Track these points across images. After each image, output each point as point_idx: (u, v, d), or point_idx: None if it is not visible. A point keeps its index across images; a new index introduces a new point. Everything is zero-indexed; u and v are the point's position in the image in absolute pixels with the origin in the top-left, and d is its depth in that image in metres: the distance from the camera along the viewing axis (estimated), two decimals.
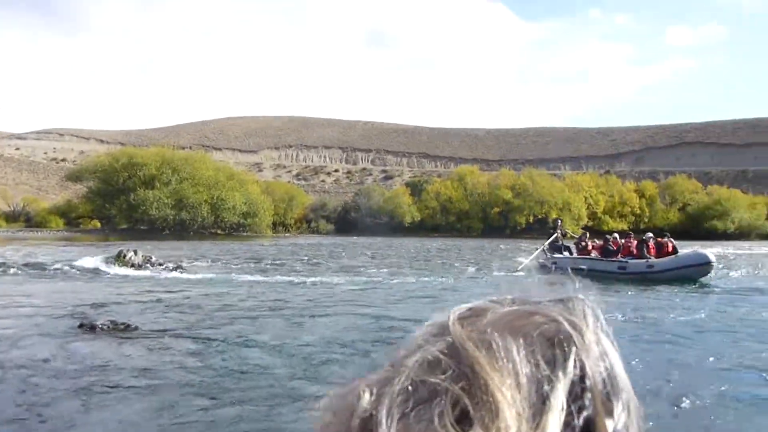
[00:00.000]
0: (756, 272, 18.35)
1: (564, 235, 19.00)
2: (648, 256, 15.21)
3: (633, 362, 6.03)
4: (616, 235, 16.91)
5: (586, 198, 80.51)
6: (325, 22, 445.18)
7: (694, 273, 14.20)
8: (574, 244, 18.13)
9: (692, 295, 12.26)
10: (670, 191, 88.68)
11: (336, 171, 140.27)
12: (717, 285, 14.01)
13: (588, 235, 18.28)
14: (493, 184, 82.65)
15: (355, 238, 59.34)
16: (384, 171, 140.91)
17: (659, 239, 16.06)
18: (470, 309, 0.46)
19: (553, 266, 16.76)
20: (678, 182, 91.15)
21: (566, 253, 17.85)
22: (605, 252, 16.08)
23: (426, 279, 15.53)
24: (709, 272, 14.36)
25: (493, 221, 77.21)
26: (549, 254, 17.76)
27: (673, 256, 15.18)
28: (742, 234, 76.43)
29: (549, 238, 18.59)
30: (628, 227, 75.93)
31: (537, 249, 20.11)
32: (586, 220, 75.32)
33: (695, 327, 8.40)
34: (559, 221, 19.81)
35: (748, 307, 10.36)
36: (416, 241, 48.69)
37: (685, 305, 10.62)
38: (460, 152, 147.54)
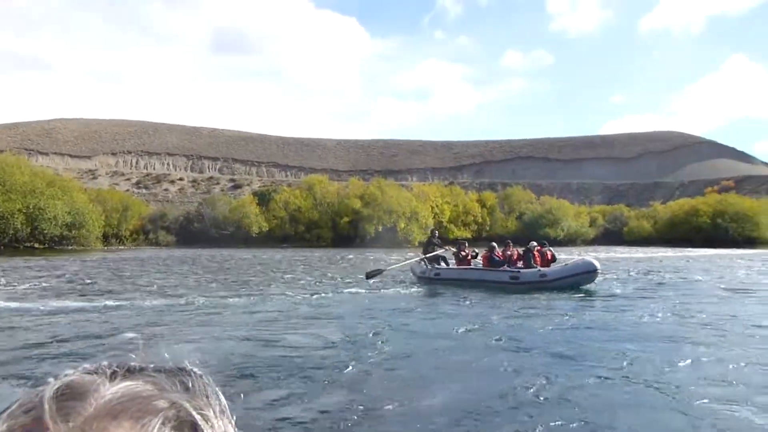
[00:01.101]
0: (616, 277, 18.78)
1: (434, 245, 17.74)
2: (534, 265, 14.92)
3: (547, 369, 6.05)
4: (494, 244, 16.22)
5: (432, 207, 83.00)
6: (167, 24, 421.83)
7: (582, 280, 14.16)
8: (453, 254, 17.16)
9: (581, 303, 11.94)
10: (508, 201, 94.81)
11: (181, 179, 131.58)
12: (600, 291, 13.95)
13: (467, 244, 17.43)
14: (342, 193, 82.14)
15: (196, 250, 55.00)
16: (232, 180, 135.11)
17: (540, 248, 15.74)
18: (66, 387, 0.38)
19: (437, 277, 15.69)
20: (514, 193, 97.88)
21: (443, 264, 16.85)
22: (492, 262, 15.34)
23: (268, 300, 13.51)
24: (594, 279, 14.43)
25: (343, 231, 76.49)
26: (429, 265, 16.57)
27: (562, 264, 14.92)
28: (570, 240, 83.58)
29: (426, 249, 17.30)
30: (472, 235, 79.47)
31: (406, 259, 18.87)
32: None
33: (591, 333, 8.28)
34: (435, 232, 18.70)
35: (631, 311, 10.50)
36: (262, 253, 45.87)
37: (576, 312, 10.42)
38: (310, 162, 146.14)
